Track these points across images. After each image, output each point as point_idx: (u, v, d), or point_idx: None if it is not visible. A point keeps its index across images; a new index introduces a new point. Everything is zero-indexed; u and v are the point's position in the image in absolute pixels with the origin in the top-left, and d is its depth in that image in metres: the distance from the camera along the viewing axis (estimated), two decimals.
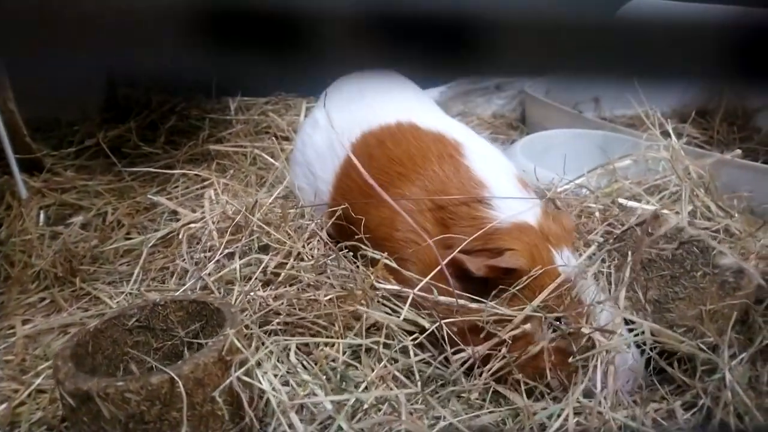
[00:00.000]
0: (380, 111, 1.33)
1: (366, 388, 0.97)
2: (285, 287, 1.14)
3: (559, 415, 0.91)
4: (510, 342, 0.97)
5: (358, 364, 1.04)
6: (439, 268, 1.03)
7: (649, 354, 0.98)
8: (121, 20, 1.80)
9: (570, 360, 0.97)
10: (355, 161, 1.16)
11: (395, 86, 1.52)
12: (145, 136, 2.02)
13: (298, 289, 1.14)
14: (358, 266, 1.18)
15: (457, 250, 1.03)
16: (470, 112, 2.44)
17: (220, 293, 1.19)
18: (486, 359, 1.00)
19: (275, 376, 0.97)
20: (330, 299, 1.06)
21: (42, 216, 1.56)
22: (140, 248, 1.42)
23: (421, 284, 1.04)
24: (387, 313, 1.08)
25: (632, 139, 1.71)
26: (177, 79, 2.18)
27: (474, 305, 1.00)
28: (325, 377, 0.98)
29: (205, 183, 1.70)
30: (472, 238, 1.05)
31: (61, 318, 1.26)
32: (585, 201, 1.37)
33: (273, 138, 2.06)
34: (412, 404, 0.97)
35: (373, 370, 1.00)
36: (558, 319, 0.99)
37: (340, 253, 1.22)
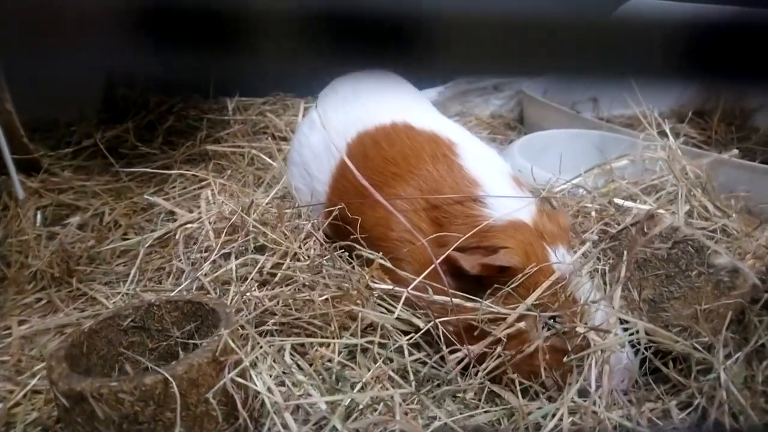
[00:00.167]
0: (376, 111, 1.33)
1: (362, 388, 0.97)
2: (281, 287, 1.14)
3: (553, 415, 0.91)
4: (505, 341, 0.97)
5: (353, 365, 1.04)
6: (433, 266, 1.03)
7: (643, 354, 0.97)
8: (120, 20, 1.80)
9: (564, 359, 0.96)
10: (349, 163, 1.16)
11: (391, 86, 1.52)
12: (142, 137, 2.02)
13: (294, 290, 1.13)
14: (353, 266, 1.18)
15: (451, 248, 1.03)
16: (468, 113, 2.44)
17: (216, 293, 1.19)
18: (481, 358, 1.00)
19: (270, 376, 0.97)
20: (325, 299, 1.06)
21: (39, 216, 1.56)
22: (137, 249, 1.41)
23: (415, 282, 1.04)
24: (382, 313, 1.08)
25: (630, 139, 1.71)
26: (175, 79, 2.18)
27: (469, 304, 1.00)
28: (320, 377, 0.97)
29: (203, 183, 1.71)
30: (467, 236, 1.05)
31: (57, 318, 1.26)
32: (582, 201, 1.37)
33: (270, 138, 2.05)
34: (407, 404, 0.97)
35: (369, 371, 1.00)
36: (553, 317, 0.99)
37: (336, 253, 1.22)
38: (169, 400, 0.83)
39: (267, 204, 1.35)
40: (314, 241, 1.27)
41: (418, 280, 1.04)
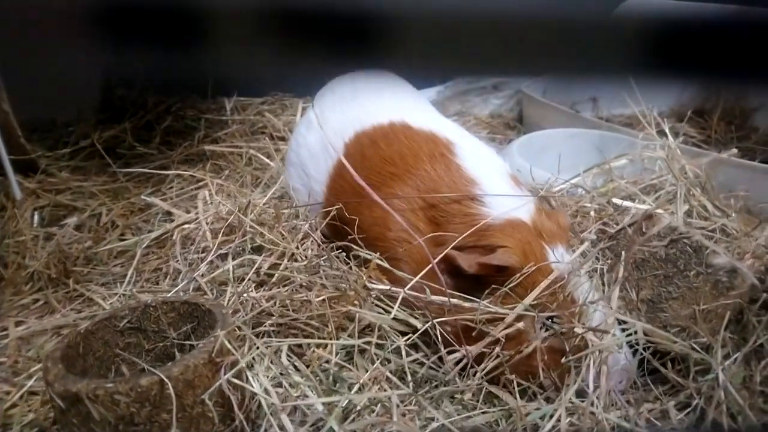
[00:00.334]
0: (374, 111, 1.33)
1: (360, 388, 0.96)
2: (278, 288, 1.13)
3: (551, 416, 0.90)
4: (503, 341, 0.97)
5: (351, 366, 1.04)
6: (430, 266, 1.02)
7: (642, 354, 0.97)
8: (118, 18, 1.79)
9: (562, 360, 0.96)
10: (345, 162, 1.15)
11: (389, 86, 1.51)
12: (140, 137, 2.02)
13: (292, 290, 1.13)
14: (350, 267, 1.17)
15: (449, 247, 1.02)
16: (467, 112, 2.44)
17: (213, 294, 1.19)
18: (479, 359, 0.99)
19: (267, 377, 0.97)
20: (322, 300, 1.06)
21: (36, 217, 1.56)
22: (134, 249, 1.41)
23: (412, 282, 1.03)
24: (380, 314, 1.08)
25: (629, 139, 1.70)
26: (173, 79, 2.18)
27: (467, 304, 0.99)
28: (317, 379, 0.97)
29: (200, 184, 1.70)
30: (464, 235, 1.04)
31: (54, 319, 1.25)
32: (581, 201, 1.37)
33: (268, 138, 2.05)
34: (405, 405, 0.96)
35: (366, 372, 0.99)
36: (551, 317, 0.98)
37: (334, 253, 1.21)
38: (164, 401, 0.83)
39: (264, 204, 1.34)
40: (312, 241, 1.26)
41: (416, 279, 1.03)
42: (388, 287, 1.07)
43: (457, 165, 1.16)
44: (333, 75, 1.62)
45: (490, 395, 1.00)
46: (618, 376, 0.96)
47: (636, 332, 0.95)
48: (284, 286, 1.15)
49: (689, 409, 0.92)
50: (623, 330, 0.98)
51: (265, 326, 1.09)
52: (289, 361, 1.03)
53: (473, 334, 0.99)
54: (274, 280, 1.16)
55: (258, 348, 1.00)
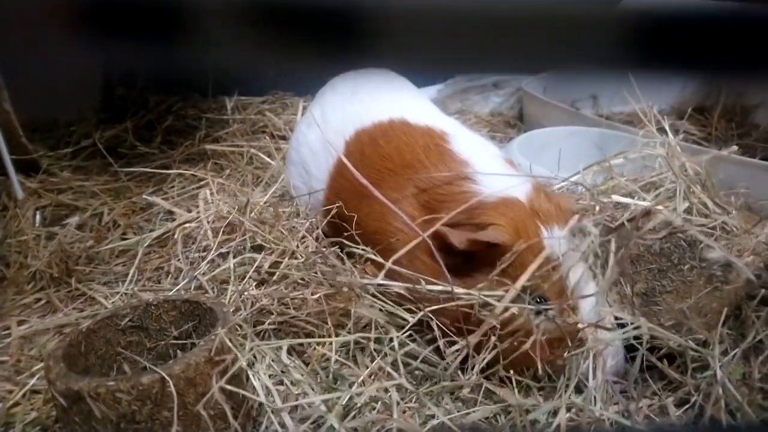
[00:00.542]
0: (374, 109, 1.33)
1: (362, 384, 0.97)
2: (279, 286, 1.14)
3: (555, 413, 0.90)
4: (498, 328, 0.96)
5: (351, 363, 1.04)
6: (420, 238, 1.02)
7: (639, 350, 0.96)
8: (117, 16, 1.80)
9: (562, 355, 0.96)
10: (345, 161, 1.15)
11: (389, 84, 1.52)
12: (141, 136, 2.02)
13: (293, 288, 1.13)
14: (345, 262, 1.17)
15: (440, 223, 1.02)
16: (468, 110, 2.44)
17: (214, 293, 1.19)
18: (477, 348, 0.99)
19: (268, 376, 0.97)
20: (319, 297, 1.06)
21: (38, 217, 1.56)
22: (136, 248, 1.42)
23: (400, 253, 1.02)
24: (380, 309, 1.08)
25: (629, 137, 1.70)
26: (171, 76, 2.18)
27: (459, 290, 0.98)
28: (317, 376, 0.97)
29: (202, 183, 1.70)
30: (456, 211, 1.03)
31: (56, 318, 1.26)
32: (581, 198, 1.37)
33: (269, 137, 2.05)
34: (405, 402, 0.96)
35: (366, 368, 0.99)
36: (540, 298, 0.98)
37: (332, 249, 1.22)
38: (166, 399, 0.83)
39: (265, 203, 1.35)
40: (310, 239, 1.27)
41: (402, 252, 1.02)
42: (380, 280, 1.06)
43: (449, 150, 1.17)
44: (334, 74, 1.62)
45: (490, 390, 1.00)
46: (609, 362, 0.95)
47: (633, 328, 0.94)
48: (284, 284, 1.16)
49: (688, 406, 0.92)
50: (617, 322, 0.98)
51: (266, 324, 1.09)
52: (289, 359, 1.03)
53: (470, 319, 0.98)
54: (275, 278, 1.17)
55: (258, 345, 1.00)
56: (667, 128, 1.52)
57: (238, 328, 1.06)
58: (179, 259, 1.31)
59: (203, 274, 1.22)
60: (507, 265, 0.98)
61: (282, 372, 1.01)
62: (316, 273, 1.11)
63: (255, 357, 1.01)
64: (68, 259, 1.38)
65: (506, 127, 2.36)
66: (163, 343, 1.03)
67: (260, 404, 0.95)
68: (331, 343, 1.03)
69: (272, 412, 0.89)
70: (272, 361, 1.02)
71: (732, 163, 1.57)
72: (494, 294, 0.97)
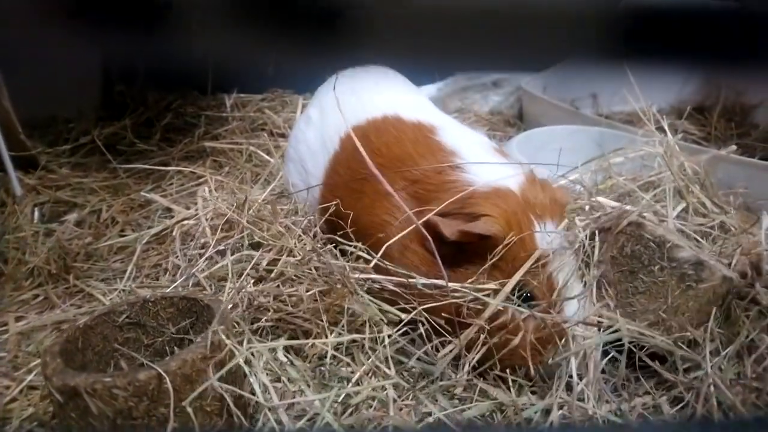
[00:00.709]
0: (369, 106, 1.33)
1: (357, 383, 0.97)
2: (275, 283, 1.14)
3: (548, 412, 0.91)
4: (487, 325, 0.96)
5: (348, 360, 1.04)
6: (413, 226, 1.02)
7: (623, 348, 0.96)
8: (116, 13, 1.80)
9: (550, 353, 0.96)
10: (357, 143, 1.14)
11: (387, 82, 1.52)
12: (140, 134, 2.02)
13: (289, 284, 1.13)
14: (338, 258, 1.17)
15: (433, 213, 1.02)
16: (467, 109, 2.44)
17: (211, 290, 1.19)
18: (469, 345, 0.99)
19: (264, 373, 0.97)
20: (313, 294, 1.06)
21: (36, 213, 1.57)
22: (134, 245, 1.42)
23: (392, 241, 1.02)
24: (377, 306, 1.08)
25: (629, 136, 1.70)
26: (173, 75, 2.18)
27: (454, 285, 0.98)
28: (312, 374, 0.97)
29: (200, 180, 1.71)
30: (450, 201, 1.03)
31: (54, 315, 1.26)
32: (578, 198, 1.37)
33: (267, 135, 2.05)
34: (402, 400, 0.97)
35: (363, 365, 1.00)
36: (526, 294, 0.98)
37: (328, 247, 1.22)
38: (162, 395, 0.83)
39: (262, 200, 1.35)
40: (307, 237, 1.27)
41: (393, 240, 1.03)
42: (371, 275, 1.06)
43: (437, 141, 1.17)
44: (333, 71, 1.62)
45: (484, 389, 1.00)
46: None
47: (613, 331, 0.95)
48: (282, 281, 1.16)
49: (682, 404, 0.92)
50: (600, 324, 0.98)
51: (263, 322, 1.09)
52: (286, 357, 1.03)
53: (461, 312, 0.98)
54: (272, 275, 1.17)
55: (254, 347, 1.00)
56: (665, 127, 1.52)
57: (236, 326, 1.06)
58: (177, 256, 1.31)
59: (201, 271, 1.22)
60: (498, 258, 0.98)
61: (280, 368, 1.01)
62: (310, 270, 1.11)
63: (253, 355, 1.01)
64: (66, 256, 1.38)
65: (506, 125, 2.35)
66: (160, 339, 1.03)
67: (257, 401, 0.95)
68: (326, 340, 1.03)
69: (269, 409, 0.89)
70: (269, 359, 1.02)
71: (731, 163, 1.57)
72: (486, 288, 0.97)
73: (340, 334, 1.05)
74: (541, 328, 0.96)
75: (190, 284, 1.23)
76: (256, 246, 1.25)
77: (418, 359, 1.03)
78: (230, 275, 1.19)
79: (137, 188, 1.72)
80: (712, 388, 0.87)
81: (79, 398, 0.82)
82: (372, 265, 1.05)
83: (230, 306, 1.10)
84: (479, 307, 0.98)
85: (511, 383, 0.98)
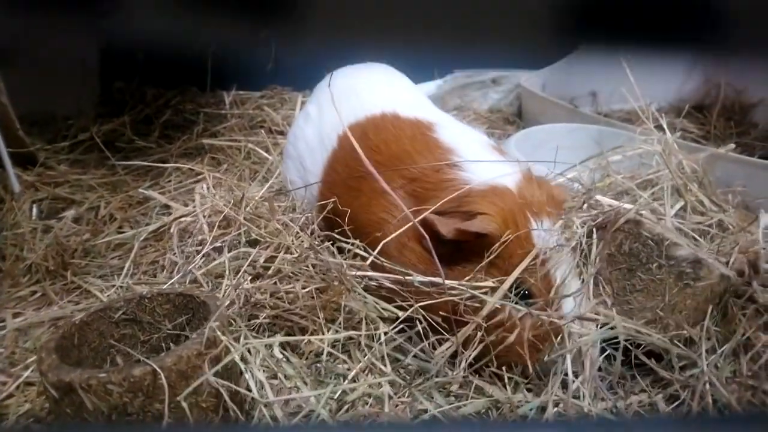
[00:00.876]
0: (368, 104, 1.33)
1: (354, 380, 0.97)
2: (272, 280, 1.14)
3: (543, 409, 0.91)
4: (484, 323, 0.96)
5: (345, 357, 1.04)
6: (410, 224, 1.02)
7: (618, 345, 0.96)
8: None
9: (546, 350, 0.96)
10: (353, 139, 1.14)
11: (386, 79, 1.52)
12: (139, 131, 2.03)
13: (287, 282, 1.13)
14: (335, 255, 1.17)
15: (429, 210, 1.02)
16: (466, 107, 2.43)
17: (208, 287, 1.19)
18: (466, 343, 0.99)
19: (260, 369, 0.97)
20: (310, 291, 1.06)
21: (34, 210, 1.57)
22: (132, 242, 1.42)
23: (389, 239, 1.02)
24: (376, 304, 1.08)
25: (628, 134, 1.70)
26: (172, 72, 2.18)
27: (450, 282, 0.98)
28: (308, 370, 0.97)
29: (199, 177, 1.71)
30: (446, 199, 1.03)
31: (51, 311, 1.26)
32: (576, 196, 1.37)
33: (266, 132, 2.05)
34: (398, 397, 0.97)
35: (359, 362, 1.00)
36: (522, 291, 0.98)
37: (326, 244, 1.22)
38: (157, 391, 0.83)
39: (260, 197, 1.35)
40: (305, 234, 1.27)
41: (392, 237, 1.02)
42: (368, 272, 1.06)
43: (435, 139, 1.17)
44: (333, 68, 1.62)
45: (480, 386, 1.00)
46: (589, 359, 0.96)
47: (610, 328, 0.95)
48: (279, 278, 1.15)
49: (677, 402, 0.92)
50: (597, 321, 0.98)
51: (260, 318, 1.09)
52: (282, 353, 1.03)
53: (458, 310, 0.98)
54: (269, 273, 1.17)
55: (250, 343, 1.00)
56: (664, 125, 1.52)
57: (232, 322, 1.06)
58: (175, 253, 1.31)
59: (198, 268, 1.22)
60: (495, 256, 0.98)
61: (276, 365, 1.01)
62: (307, 267, 1.11)
63: (249, 351, 1.01)
64: (64, 253, 1.38)
65: (505, 123, 2.35)
66: (156, 336, 1.03)
67: (253, 398, 0.95)
68: (323, 337, 1.03)
69: (265, 405, 0.89)
70: (265, 355, 1.02)
71: (729, 161, 1.56)
72: (483, 285, 0.97)
73: (336, 331, 1.05)
74: (538, 326, 0.96)
75: (187, 281, 1.23)
76: (253, 243, 1.25)
77: (414, 356, 1.03)
78: (227, 272, 1.19)
79: (135, 185, 1.72)
80: (707, 386, 0.87)
81: (74, 394, 0.82)
82: (369, 262, 1.05)
83: (227, 303, 1.10)
84: (476, 304, 0.98)
85: (506, 380, 0.98)
